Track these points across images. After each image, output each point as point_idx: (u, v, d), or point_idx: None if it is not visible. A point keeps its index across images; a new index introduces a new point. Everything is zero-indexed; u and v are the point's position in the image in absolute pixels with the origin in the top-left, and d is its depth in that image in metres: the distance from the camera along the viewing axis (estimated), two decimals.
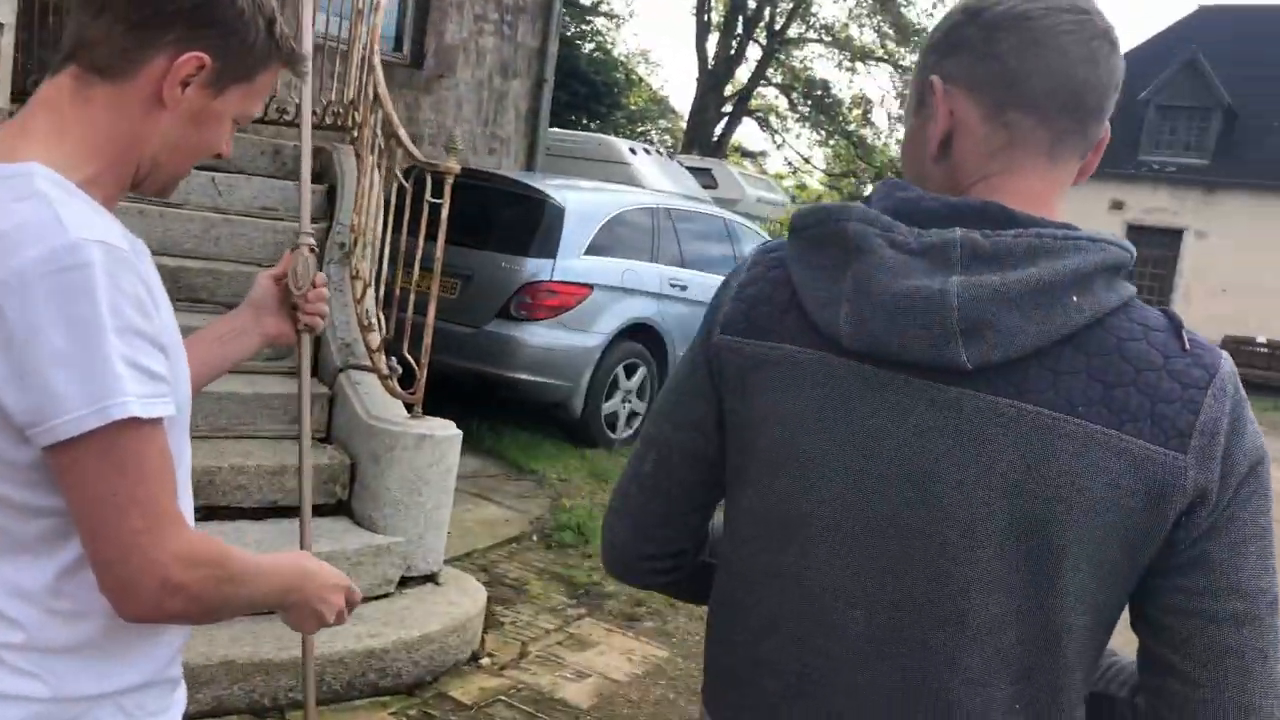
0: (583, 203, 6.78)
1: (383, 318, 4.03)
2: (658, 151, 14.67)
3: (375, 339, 3.94)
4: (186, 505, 1.14)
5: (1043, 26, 0.95)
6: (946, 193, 0.99)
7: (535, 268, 6.29)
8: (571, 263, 6.41)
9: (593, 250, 6.59)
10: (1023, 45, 0.95)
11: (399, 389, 3.85)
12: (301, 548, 1.72)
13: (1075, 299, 0.90)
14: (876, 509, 0.95)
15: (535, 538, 4.97)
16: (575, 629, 4.00)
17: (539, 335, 6.21)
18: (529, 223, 6.43)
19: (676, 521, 1.15)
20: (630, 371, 6.89)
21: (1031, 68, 0.95)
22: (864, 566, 0.96)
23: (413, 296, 3.93)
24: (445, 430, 3.79)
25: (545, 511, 5.32)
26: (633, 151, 13.30)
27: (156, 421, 1.00)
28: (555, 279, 6.30)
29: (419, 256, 3.88)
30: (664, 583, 1.21)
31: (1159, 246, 22.53)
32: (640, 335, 6.93)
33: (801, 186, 39.47)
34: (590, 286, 6.47)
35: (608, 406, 6.74)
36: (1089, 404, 0.89)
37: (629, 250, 6.96)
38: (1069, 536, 0.90)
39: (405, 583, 3.66)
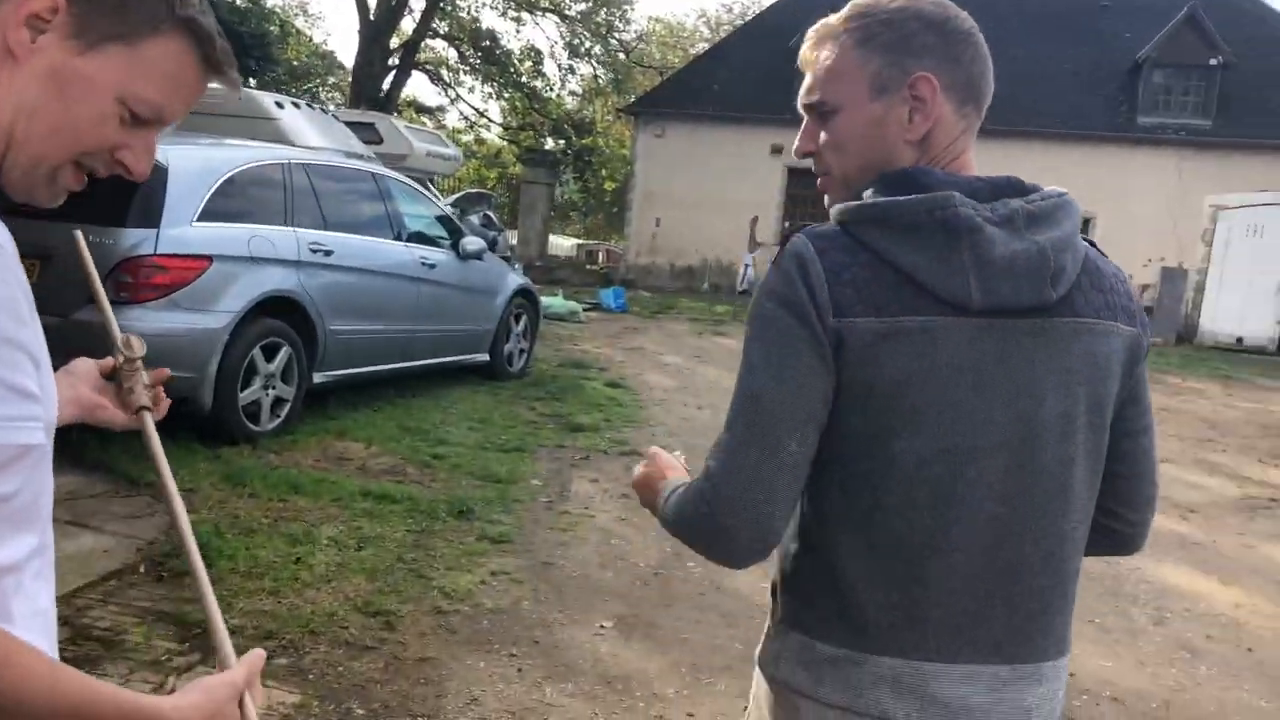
0: (190, 161, 5.78)
1: None
2: (309, 105, 13.45)
3: None
4: (46, 552, 0.98)
5: (979, 41, 1.30)
6: (919, 164, 1.28)
7: (135, 240, 5.28)
8: (181, 232, 5.45)
9: (209, 216, 5.64)
10: (975, 56, 1.29)
11: None
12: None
13: (1080, 239, 1.29)
14: (1016, 422, 1.23)
15: (144, 569, 4.09)
16: (184, 683, 3.24)
17: (146, 320, 5.21)
18: (123, 187, 5.35)
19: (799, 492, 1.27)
20: (270, 353, 6.01)
21: (979, 73, 1.30)
22: (1013, 464, 1.24)
23: None
24: None
25: (160, 533, 4.43)
26: (280, 106, 12.03)
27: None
28: (161, 252, 5.33)
29: None
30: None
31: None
32: (280, 310, 6.07)
33: (480, 141, 38.72)
34: (208, 258, 5.54)
35: (246, 395, 5.85)
36: (1104, 308, 1.29)
37: (257, 214, 6.05)
38: (1110, 407, 1.31)
39: None
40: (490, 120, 35.95)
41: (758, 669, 1.37)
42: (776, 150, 23.99)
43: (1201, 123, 21.56)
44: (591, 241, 36.19)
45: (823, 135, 1.31)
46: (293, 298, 6.12)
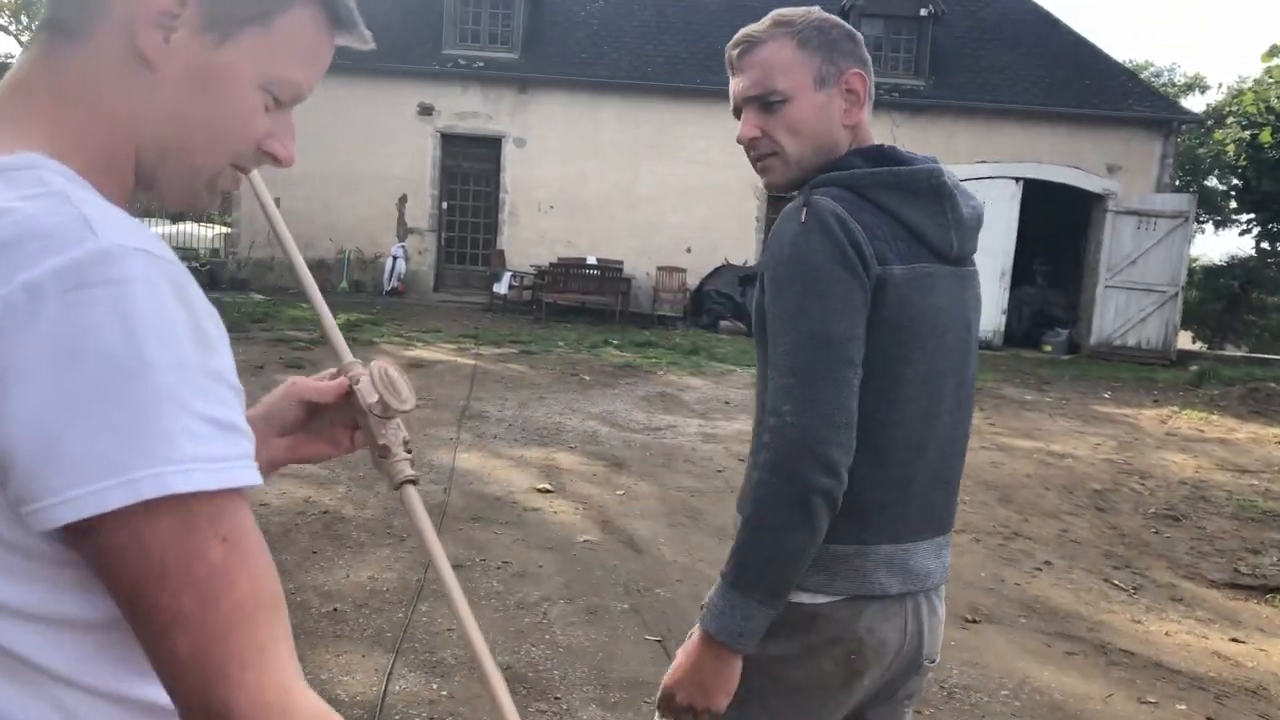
0: None
1: None
2: None
3: None
4: None
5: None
6: (851, 145, 1.64)
7: None
8: None
9: None
10: (869, 60, 1.65)
11: None
12: None
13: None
14: (960, 349, 1.65)
15: None
16: None
17: None
18: None
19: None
20: None
21: (871, 72, 1.63)
22: (958, 382, 1.65)
23: None
24: None
25: None
26: None
27: (231, 494, 0.71)
28: None
29: None
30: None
31: (479, 158, 19.14)
32: None
33: None
34: None
35: None
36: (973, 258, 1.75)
37: None
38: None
39: None
40: None
41: None
42: (426, 111, 18.94)
43: (915, 83, 18.63)
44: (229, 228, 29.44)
45: (768, 122, 1.62)
46: None
